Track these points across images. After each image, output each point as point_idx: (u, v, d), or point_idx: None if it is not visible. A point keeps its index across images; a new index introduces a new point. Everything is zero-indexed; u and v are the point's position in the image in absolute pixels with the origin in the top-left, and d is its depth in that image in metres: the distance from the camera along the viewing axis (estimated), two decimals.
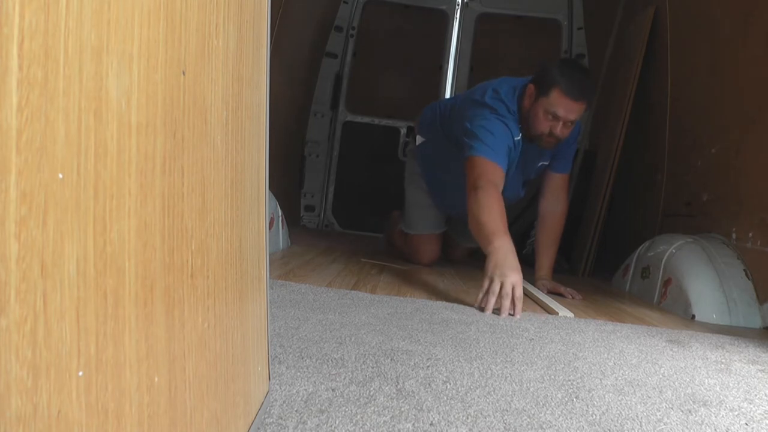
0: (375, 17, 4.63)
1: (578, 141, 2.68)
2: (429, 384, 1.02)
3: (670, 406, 1.05)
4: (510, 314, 1.74)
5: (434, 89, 4.59)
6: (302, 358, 1.09)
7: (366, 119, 4.59)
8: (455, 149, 2.42)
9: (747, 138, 2.36)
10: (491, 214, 1.93)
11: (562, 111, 2.19)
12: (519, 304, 1.76)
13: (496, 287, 1.77)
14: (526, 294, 2.26)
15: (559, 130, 2.23)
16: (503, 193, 2.10)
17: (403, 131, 4.51)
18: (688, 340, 1.68)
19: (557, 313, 1.89)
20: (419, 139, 2.84)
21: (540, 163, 2.51)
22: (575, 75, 2.21)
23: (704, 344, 1.64)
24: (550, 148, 2.35)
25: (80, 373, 0.35)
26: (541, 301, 2.09)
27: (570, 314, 1.89)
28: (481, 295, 1.81)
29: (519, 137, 2.28)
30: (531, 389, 1.05)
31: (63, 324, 0.34)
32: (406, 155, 3.02)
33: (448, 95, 4.58)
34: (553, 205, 2.52)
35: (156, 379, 0.45)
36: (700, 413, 1.02)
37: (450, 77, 4.67)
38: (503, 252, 1.85)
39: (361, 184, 4.56)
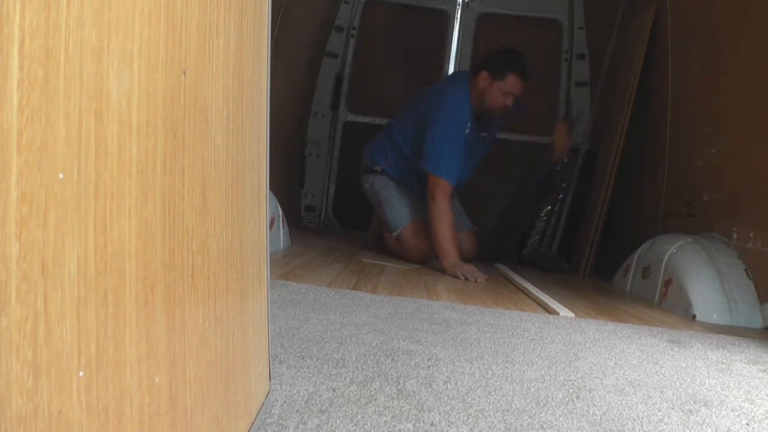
0: (375, 17, 4.62)
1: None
2: (430, 384, 1.02)
3: (671, 406, 1.05)
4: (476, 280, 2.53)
5: None
6: (303, 358, 1.09)
7: (366, 119, 4.58)
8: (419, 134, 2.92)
9: (747, 138, 2.36)
10: (444, 231, 2.74)
11: (516, 90, 2.87)
12: (479, 276, 2.56)
13: (461, 278, 2.58)
14: (527, 294, 2.28)
15: (510, 102, 2.89)
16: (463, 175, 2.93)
17: None
18: (689, 340, 1.68)
19: (558, 313, 1.89)
20: (378, 169, 3.14)
21: (481, 152, 3.08)
22: (523, 62, 2.88)
23: (705, 344, 1.64)
24: (499, 114, 2.99)
25: (81, 373, 0.35)
26: (542, 301, 2.09)
27: (571, 314, 1.89)
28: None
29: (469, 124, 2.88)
30: (532, 389, 1.05)
31: (63, 324, 0.33)
32: (366, 189, 3.23)
33: None
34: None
35: (157, 379, 0.45)
36: (701, 413, 1.02)
37: None
38: (452, 265, 2.69)
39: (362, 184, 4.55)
